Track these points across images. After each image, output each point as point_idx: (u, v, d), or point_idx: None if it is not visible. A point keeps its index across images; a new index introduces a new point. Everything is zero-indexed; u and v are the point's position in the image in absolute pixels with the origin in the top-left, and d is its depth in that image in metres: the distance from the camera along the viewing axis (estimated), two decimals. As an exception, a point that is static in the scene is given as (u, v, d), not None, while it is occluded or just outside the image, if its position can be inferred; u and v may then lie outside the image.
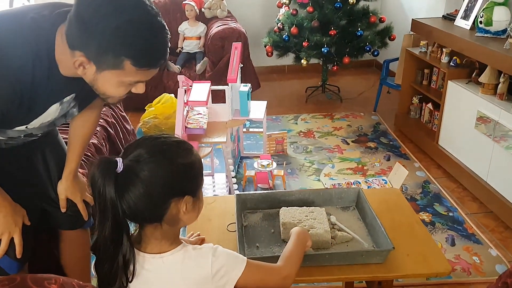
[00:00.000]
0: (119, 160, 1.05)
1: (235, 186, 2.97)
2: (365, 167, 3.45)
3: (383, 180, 2.65)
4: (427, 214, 2.90)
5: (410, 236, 1.67)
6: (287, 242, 1.63)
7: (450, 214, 2.90)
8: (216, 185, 3.17)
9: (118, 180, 1.04)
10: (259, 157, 3.45)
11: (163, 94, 4.04)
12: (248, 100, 3.19)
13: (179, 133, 2.63)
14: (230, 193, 3.00)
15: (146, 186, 1.04)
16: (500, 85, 2.94)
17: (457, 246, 2.59)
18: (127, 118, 3.62)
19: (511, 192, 2.76)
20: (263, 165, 3.06)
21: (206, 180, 3.25)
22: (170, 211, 1.09)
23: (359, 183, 2.59)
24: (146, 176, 1.04)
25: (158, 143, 1.09)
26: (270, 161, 3.09)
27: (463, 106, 3.23)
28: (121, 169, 1.04)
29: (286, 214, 1.70)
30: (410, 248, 1.60)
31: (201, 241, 1.67)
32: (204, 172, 3.32)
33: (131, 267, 1.08)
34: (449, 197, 3.09)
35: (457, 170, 3.28)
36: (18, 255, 1.46)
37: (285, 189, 3.09)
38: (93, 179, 1.03)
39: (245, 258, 1.21)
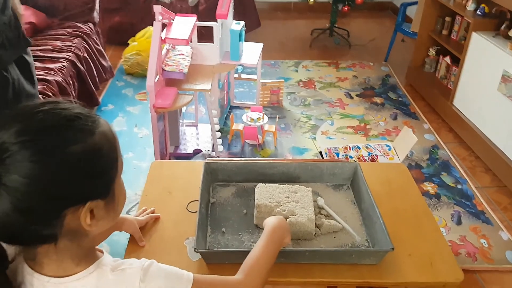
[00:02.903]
0: None
1: (220, 141, 2.63)
2: (367, 126, 3.09)
3: (386, 146, 2.29)
4: (433, 184, 2.58)
5: (415, 230, 1.35)
6: (260, 229, 1.33)
7: (459, 186, 2.58)
8: (199, 137, 2.82)
9: None
10: (250, 108, 3.09)
11: (148, 27, 3.59)
12: (240, 41, 2.77)
13: (152, 76, 2.24)
14: (213, 149, 2.66)
15: (15, 197, 0.65)
16: (534, 42, 2.51)
17: (463, 225, 2.28)
18: (104, 53, 3.22)
19: (531, 167, 2.42)
20: (253, 119, 2.69)
21: (190, 131, 2.90)
22: (66, 226, 0.71)
23: (359, 148, 2.24)
24: (13, 180, 0.65)
25: (35, 120, 0.69)
26: (261, 114, 2.73)
27: (486, 63, 2.81)
28: None
29: (262, 193, 1.36)
30: (414, 246, 1.28)
31: (155, 220, 1.35)
32: (186, 122, 3.02)
33: None
34: (459, 166, 2.76)
35: (471, 136, 2.91)
36: None
37: (275, 146, 2.75)
38: None
39: (191, 275, 0.86)
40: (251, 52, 2.91)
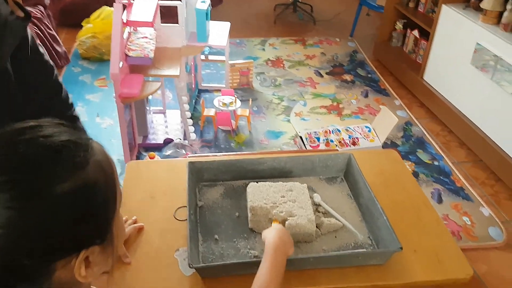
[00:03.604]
0: None
1: (192, 129, 2.48)
2: (340, 105, 3.02)
3: (366, 127, 2.23)
4: (410, 163, 2.56)
5: (416, 223, 1.29)
6: (256, 232, 1.23)
7: (435, 163, 2.57)
8: (169, 125, 2.66)
9: None
10: (219, 90, 2.94)
11: (103, 7, 3.33)
12: (207, 20, 2.60)
13: (116, 64, 2.05)
14: (185, 137, 2.51)
15: None
16: (505, 14, 2.49)
17: (444, 203, 2.28)
18: (57, 37, 2.95)
19: (505, 140, 2.43)
20: (225, 104, 2.55)
21: (157, 118, 2.73)
22: (56, 281, 0.58)
23: (339, 131, 2.16)
24: None
25: (13, 155, 0.55)
26: (233, 98, 2.59)
27: (458, 36, 2.78)
28: None
29: (255, 193, 1.25)
30: (417, 241, 1.22)
31: (138, 230, 1.22)
32: (154, 109, 2.84)
33: None
34: (433, 142, 2.75)
35: (443, 110, 2.91)
36: None
37: (250, 131, 2.64)
38: None
39: None
40: (218, 32, 2.74)
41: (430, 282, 1.13)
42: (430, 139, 2.78)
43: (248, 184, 1.31)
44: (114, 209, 0.62)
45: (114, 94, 2.13)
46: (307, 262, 1.11)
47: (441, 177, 2.46)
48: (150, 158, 2.34)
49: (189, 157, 1.46)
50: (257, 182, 1.29)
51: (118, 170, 2.30)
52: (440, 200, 2.29)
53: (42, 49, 1.49)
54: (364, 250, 1.16)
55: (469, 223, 2.14)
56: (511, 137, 2.39)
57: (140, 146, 2.50)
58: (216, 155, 1.51)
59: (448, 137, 2.82)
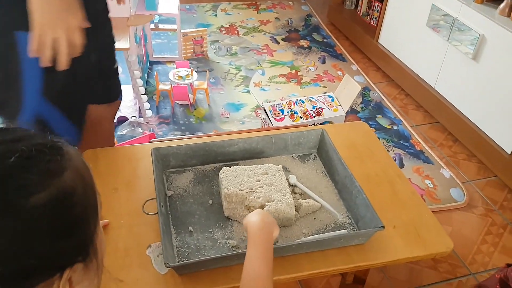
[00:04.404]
0: None
1: (147, 105, 2.33)
2: (299, 73, 2.95)
3: (329, 97, 2.18)
4: (371, 129, 2.56)
5: (392, 197, 1.27)
6: (232, 220, 1.16)
7: (395, 127, 2.59)
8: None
9: None
10: (173, 62, 2.79)
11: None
12: (155, -13, 2.42)
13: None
14: (140, 114, 2.36)
15: None
16: (459, -26, 2.48)
17: (406, 167, 2.31)
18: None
19: (460, 100, 2.47)
20: (181, 77, 2.41)
21: (107, 94, 2.54)
22: None
23: (303, 102, 2.10)
24: None
25: None
26: (189, 70, 2.45)
27: (413, -1, 2.76)
28: None
29: (229, 179, 1.18)
30: (396, 216, 1.21)
31: (104, 228, 1.11)
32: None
33: None
34: (391, 106, 2.76)
35: (399, 73, 2.91)
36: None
37: (209, 105, 2.52)
38: None
39: None
40: (168, -2, 2.57)
41: (412, 258, 1.12)
42: (388, 103, 2.79)
43: (219, 168, 1.24)
44: (95, 219, 0.55)
45: (59, 72, 1.94)
46: (289, 249, 1.06)
47: (401, 142, 2.48)
48: (104, 139, 2.19)
49: (152, 141, 1.35)
50: (229, 167, 1.22)
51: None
52: (401, 165, 2.32)
53: None
54: (345, 231, 1.13)
55: (431, 186, 2.18)
56: (466, 97, 2.43)
57: (92, 126, 2.33)
58: (182, 138, 1.41)
59: (405, 100, 2.84)
